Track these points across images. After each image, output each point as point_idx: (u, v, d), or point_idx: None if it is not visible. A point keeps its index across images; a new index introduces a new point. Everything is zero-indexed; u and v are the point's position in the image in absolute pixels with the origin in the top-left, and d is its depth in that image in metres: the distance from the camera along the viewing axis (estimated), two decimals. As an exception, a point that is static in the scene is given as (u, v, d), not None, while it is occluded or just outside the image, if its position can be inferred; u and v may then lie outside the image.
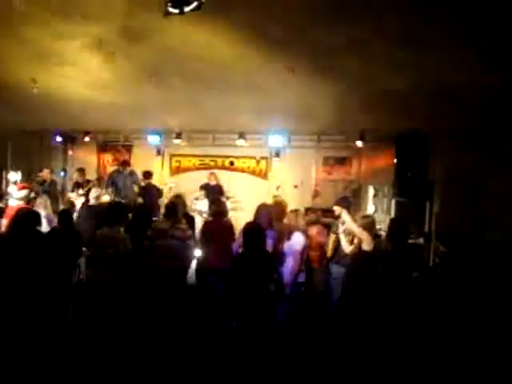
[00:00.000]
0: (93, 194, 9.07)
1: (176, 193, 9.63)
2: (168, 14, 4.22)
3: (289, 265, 6.36)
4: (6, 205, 8.85)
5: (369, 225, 6.44)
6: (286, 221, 6.89)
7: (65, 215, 6.74)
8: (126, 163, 11.83)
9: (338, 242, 6.91)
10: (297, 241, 6.47)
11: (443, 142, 10.15)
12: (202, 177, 11.96)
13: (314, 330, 6.67)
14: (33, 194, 8.85)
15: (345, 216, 6.54)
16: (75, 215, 8.29)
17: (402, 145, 10.79)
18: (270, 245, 6.21)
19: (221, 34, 5.62)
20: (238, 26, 5.37)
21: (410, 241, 8.26)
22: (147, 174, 11.24)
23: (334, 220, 7.22)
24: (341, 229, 6.73)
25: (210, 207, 7.97)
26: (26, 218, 6.29)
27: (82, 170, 11.66)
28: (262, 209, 6.60)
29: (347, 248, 6.59)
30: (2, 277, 5.91)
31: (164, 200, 10.64)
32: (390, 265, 5.84)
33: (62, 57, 6.61)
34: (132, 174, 11.54)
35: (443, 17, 4.72)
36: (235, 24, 5.30)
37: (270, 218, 6.46)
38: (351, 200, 7.89)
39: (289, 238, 6.50)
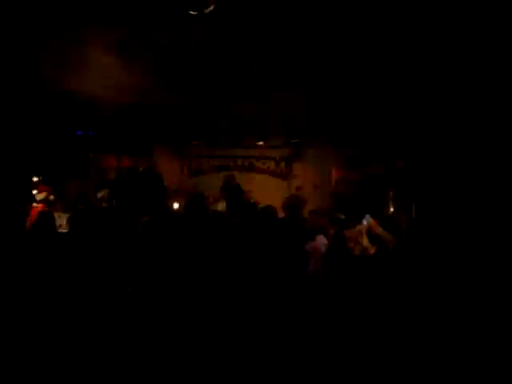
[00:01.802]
0: (99, 195, 9.18)
1: (195, 193, 9.63)
2: (188, 16, 4.25)
3: (311, 265, 6.34)
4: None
5: (391, 226, 6.37)
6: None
7: (78, 217, 6.70)
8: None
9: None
10: (321, 243, 6.43)
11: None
12: (222, 178, 11.94)
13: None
14: (52, 197, 8.95)
15: (369, 219, 6.51)
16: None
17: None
18: None
19: (241, 33, 5.63)
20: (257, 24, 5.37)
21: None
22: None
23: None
24: (364, 229, 6.68)
25: (228, 209, 7.91)
26: (40, 220, 6.40)
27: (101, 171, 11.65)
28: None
29: (370, 249, 6.52)
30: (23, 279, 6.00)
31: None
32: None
33: (81, 59, 6.66)
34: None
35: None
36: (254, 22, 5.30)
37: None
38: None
39: (312, 239, 6.47)
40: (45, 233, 6.35)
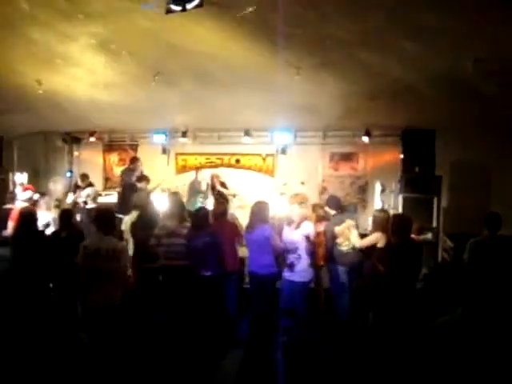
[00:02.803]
0: (84, 193, 9.12)
1: (172, 191, 9.57)
2: (170, 11, 4.20)
3: (303, 251, 6.35)
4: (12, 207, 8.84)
5: (382, 220, 6.38)
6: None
7: (63, 216, 6.60)
8: (133, 160, 11.56)
9: (332, 242, 6.88)
10: (310, 227, 6.47)
11: (450, 136, 10.11)
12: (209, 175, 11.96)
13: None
14: (37, 196, 8.88)
15: (353, 231, 6.59)
16: (79, 217, 8.14)
17: (408, 140, 10.74)
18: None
19: (225, 31, 5.59)
20: (243, 22, 5.32)
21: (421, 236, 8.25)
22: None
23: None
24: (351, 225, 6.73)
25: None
26: (24, 218, 6.34)
27: (84, 176, 11.50)
28: (255, 206, 6.63)
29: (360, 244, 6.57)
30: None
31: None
32: (396, 260, 5.80)
33: (66, 58, 6.61)
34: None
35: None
36: (240, 20, 5.26)
37: (264, 214, 6.50)
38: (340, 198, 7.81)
39: (297, 227, 6.46)
40: (27, 231, 6.30)
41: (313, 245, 6.53)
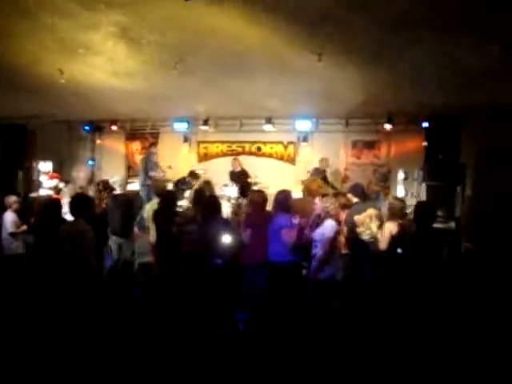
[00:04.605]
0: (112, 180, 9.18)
1: (205, 179, 9.63)
2: (190, -2, 4.18)
3: (318, 252, 6.28)
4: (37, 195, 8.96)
5: (397, 209, 6.43)
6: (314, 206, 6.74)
7: (74, 202, 6.47)
8: (151, 145, 11.83)
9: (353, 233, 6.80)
10: (330, 228, 6.36)
11: (475, 123, 9.93)
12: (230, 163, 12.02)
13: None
14: (62, 184, 8.97)
15: (374, 220, 6.54)
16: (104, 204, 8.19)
17: (432, 127, 10.59)
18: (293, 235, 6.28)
19: (246, 18, 5.55)
20: (264, 9, 5.28)
21: (441, 225, 8.17)
22: None
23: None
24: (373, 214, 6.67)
25: (248, 198, 7.74)
26: (49, 207, 6.38)
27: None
28: (280, 195, 6.60)
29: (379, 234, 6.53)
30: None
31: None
32: (415, 248, 5.79)
33: (87, 46, 6.63)
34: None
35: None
36: (261, 6, 5.22)
37: (287, 203, 6.46)
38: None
39: (319, 225, 6.39)
40: (47, 218, 6.34)
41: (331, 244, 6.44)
